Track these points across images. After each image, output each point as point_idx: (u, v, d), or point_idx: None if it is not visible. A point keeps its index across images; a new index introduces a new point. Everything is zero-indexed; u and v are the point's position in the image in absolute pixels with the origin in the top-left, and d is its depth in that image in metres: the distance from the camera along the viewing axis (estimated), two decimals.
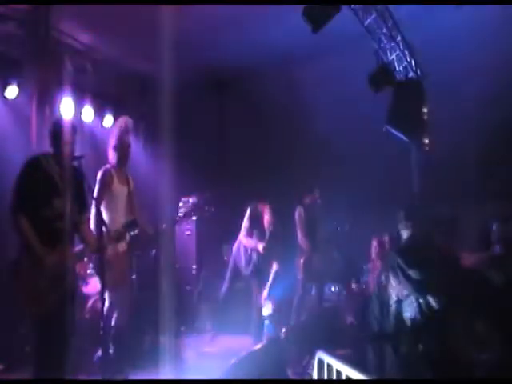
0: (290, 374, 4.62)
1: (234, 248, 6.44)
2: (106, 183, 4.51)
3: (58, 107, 6.05)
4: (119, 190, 4.60)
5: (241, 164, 8.84)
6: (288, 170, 8.01)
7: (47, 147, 3.73)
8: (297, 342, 5.26)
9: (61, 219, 3.55)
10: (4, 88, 5.68)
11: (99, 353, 4.38)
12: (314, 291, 6.77)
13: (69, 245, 3.64)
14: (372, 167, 7.20)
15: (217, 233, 7.93)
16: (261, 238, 6.15)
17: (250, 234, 6.24)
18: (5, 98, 5.74)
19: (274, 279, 6.16)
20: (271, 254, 6.11)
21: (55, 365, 3.46)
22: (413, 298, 4.07)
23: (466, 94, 6.80)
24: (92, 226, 4.08)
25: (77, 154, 3.69)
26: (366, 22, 6.33)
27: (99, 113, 7.06)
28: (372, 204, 7.14)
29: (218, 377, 3.79)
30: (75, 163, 3.67)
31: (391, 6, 6.39)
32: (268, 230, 6.16)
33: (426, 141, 7.42)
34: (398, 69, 7.32)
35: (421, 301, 4.02)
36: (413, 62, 7.33)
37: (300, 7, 5.09)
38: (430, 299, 3.99)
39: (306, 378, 4.57)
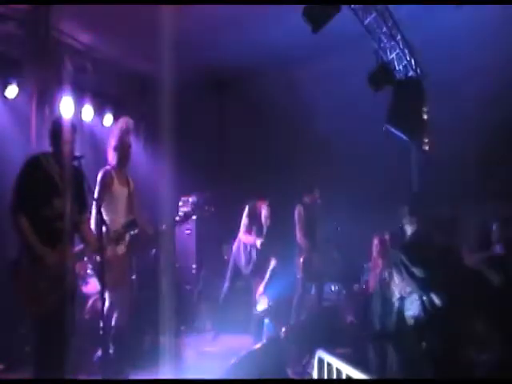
0: (290, 374, 4.63)
1: (234, 247, 6.45)
2: (106, 184, 4.50)
3: (58, 107, 6.05)
4: (119, 191, 4.60)
5: (241, 164, 8.84)
6: (288, 169, 8.01)
7: (47, 147, 3.73)
8: (297, 341, 5.26)
9: (61, 219, 3.55)
10: (4, 88, 5.68)
11: (99, 353, 4.38)
12: (313, 290, 6.78)
13: (69, 245, 3.64)
14: (372, 167, 7.21)
15: (217, 232, 7.94)
16: (259, 234, 6.20)
17: (248, 231, 6.28)
18: (5, 97, 5.73)
19: (271, 276, 6.19)
20: (269, 249, 6.15)
21: (55, 365, 3.45)
22: (416, 296, 4.06)
23: (466, 93, 6.80)
24: (92, 225, 4.08)
25: (77, 153, 3.69)
26: (366, 22, 6.33)
27: (99, 112, 7.06)
28: (372, 204, 7.14)
29: (218, 376, 3.79)
30: (75, 163, 3.67)
31: (391, 6, 6.39)
32: (265, 224, 6.20)
33: (426, 140, 7.42)
34: (397, 68, 7.32)
35: (424, 298, 4.01)
36: (412, 61, 7.33)
37: (300, 7, 5.10)
38: (434, 297, 3.98)
39: (306, 377, 4.58)
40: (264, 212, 6.25)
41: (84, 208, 3.84)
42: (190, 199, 7.82)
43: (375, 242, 6.49)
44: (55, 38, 6.11)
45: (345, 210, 6.97)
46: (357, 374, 3.05)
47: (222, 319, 6.42)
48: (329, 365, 3.35)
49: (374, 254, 6.49)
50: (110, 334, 4.33)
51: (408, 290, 4.15)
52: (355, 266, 7.22)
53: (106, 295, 3.67)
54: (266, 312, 6.10)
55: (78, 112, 6.53)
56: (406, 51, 7.18)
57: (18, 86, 5.74)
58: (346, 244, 7.42)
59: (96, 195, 4.18)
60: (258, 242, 6.11)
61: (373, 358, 4.58)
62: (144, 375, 4.67)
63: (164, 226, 5.44)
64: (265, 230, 6.20)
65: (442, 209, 6.12)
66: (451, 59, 6.71)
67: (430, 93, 7.30)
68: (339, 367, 3.24)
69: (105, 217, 4.21)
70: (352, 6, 5.90)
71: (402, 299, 4.22)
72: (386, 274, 4.86)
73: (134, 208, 4.70)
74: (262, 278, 6.21)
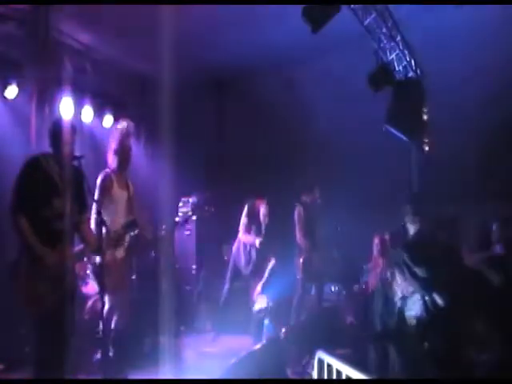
0: (290, 374, 4.62)
1: (234, 248, 6.45)
2: (105, 188, 4.50)
3: (58, 107, 6.04)
4: (119, 194, 4.59)
5: (240, 164, 8.84)
6: (288, 169, 8.01)
7: (47, 147, 3.73)
8: (297, 341, 5.26)
9: (61, 219, 3.55)
10: (4, 88, 5.67)
11: (98, 356, 4.38)
12: (313, 291, 6.77)
13: (69, 245, 3.64)
14: (372, 167, 7.21)
15: (217, 233, 7.93)
16: (258, 233, 6.23)
17: (248, 230, 6.30)
18: (5, 97, 5.73)
19: (269, 275, 6.19)
20: (268, 248, 6.15)
21: (55, 365, 3.45)
22: (418, 296, 4.05)
23: (465, 94, 6.79)
24: (92, 226, 4.08)
25: (77, 154, 3.69)
26: (366, 22, 6.33)
27: (99, 113, 7.05)
28: (372, 204, 7.14)
29: (218, 377, 3.79)
30: (75, 163, 3.68)
31: (391, 6, 6.39)
32: (264, 222, 6.21)
33: (426, 141, 7.42)
34: (397, 68, 7.31)
35: (426, 298, 3.99)
36: (412, 62, 7.33)
37: (300, 7, 5.09)
38: (436, 297, 3.97)
39: (306, 377, 4.57)
40: (262, 210, 6.27)
41: (84, 208, 3.84)
42: (190, 200, 7.82)
43: (376, 241, 6.50)
44: (55, 38, 6.10)
45: (345, 209, 6.97)
46: (357, 375, 3.04)
47: (222, 320, 6.42)
48: (329, 365, 3.35)
49: (375, 253, 6.50)
50: (110, 337, 4.33)
51: (410, 289, 4.13)
52: (355, 267, 7.22)
53: (106, 299, 3.68)
54: (263, 311, 6.10)
55: (77, 113, 6.53)
56: (406, 52, 7.18)
57: (18, 86, 5.73)
58: (346, 244, 7.42)
59: (96, 198, 4.18)
60: (257, 242, 6.13)
61: (373, 359, 4.58)
62: (144, 375, 4.68)
63: (163, 232, 5.47)
64: (263, 228, 6.21)
65: (442, 209, 6.13)
66: (451, 59, 6.70)
67: (430, 93, 7.30)
68: (339, 368, 3.24)
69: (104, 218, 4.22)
70: (352, 6, 5.90)
71: (404, 299, 4.21)
72: (389, 274, 4.84)
73: (134, 211, 4.70)
74: (262, 279, 6.22)
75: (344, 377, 3.16)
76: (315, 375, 3.52)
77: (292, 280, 6.47)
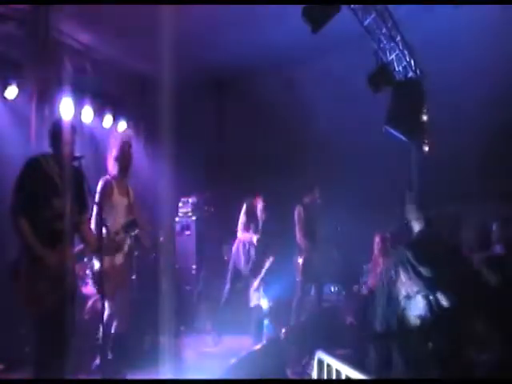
0: (290, 374, 4.62)
1: (234, 248, 6.45)
2: (106, 194, 4.50)
3: (58, 107, 6.04)
4: (119, 201, 4.60)
5: (240, 164, 8.84)
6: (288, 169, 8.01)
7: (47, 148, 3.73)
8: (296, 342, 5.26)
9: (61, 219, 3.55)
10: (4, 88, 5.67)
11: (97, 362, 4.37)
12: (313, 291, 6.78)
13: (69, 245, 3.65)
14: (372, 167, 7.21)
15: (216, 233, 7.94)
16: (257, 231, 6.27)
17: (246, 229, 6.33)
18: (4, 98, 5.73)
19: (267, 272, 6.21)
20: (265, 245, 6.16)
21: (55, 365, 3.46)
22: (423, 295, 4.04)
23: (466, 94, 6.79)
24: (92, 226, 4.08)
25: (77, 154, 3.69)
26: (366, 22, 6.32)
27: (99, 113, 7.05)
28: (372, 204, 7.14)
29: (218, 377, 3.79)
30: (75, 163, 3.67)
31: (391, 6, 6.39)
32: (261, 219, 6.22)
33: (426, 141, 7.42)
34: (397, 69, 7.31)
35: (431, 298, 3.98)
36: (412, 62, 7.33)
37: (300, 7, 5.09)
38: (440, 296, 3.96)
39: (306, 377, 4.57)
40: (259, 206, 6.29)
41: (84, 208, 3.84)
42: (190, 200, 7.83)
43: (376, 239, 6.50)
44: (55, 38, 6.11)
45: (345, 209, 6.97)
46: (356, 375, 3.05)
47: (223, 321, 6.42)
48: (328, 366, 3.35)
49: (375, 251, 6.50)
50: (109, 343, 4.33)
51: (415, 289, 4.11)
52: (355, 267, 7.22)
53: (106, 304, 3.69)
54: (259, 309, 6.12)
55: (77, 113, 6.53)
56: (406, 52, 7.18)
57: (18, 86, 5.73)
58: (346, 244, 7.42)
59: (96, 202, 4.18)
60: (254, 238, 6.16)
61: (373, 359, 4.56)
62: (144, 375, 4.68)
63: (161, 239, 5.47)
64: (260, 224, 6.23)
65: (442, 209, 6.12)
66: (451, 59, 6.70)
67: (430, 93, 7.29)
68: (339, 368, 3.24)
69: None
70: (352, 6, 5.90)
71: (408, 298, 4.19)
72: (393, 272, 4.82)
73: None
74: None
75: (344, 377, 3.16)
76: (315, 375, 3.52)
77: (291, 281, 6.48)
